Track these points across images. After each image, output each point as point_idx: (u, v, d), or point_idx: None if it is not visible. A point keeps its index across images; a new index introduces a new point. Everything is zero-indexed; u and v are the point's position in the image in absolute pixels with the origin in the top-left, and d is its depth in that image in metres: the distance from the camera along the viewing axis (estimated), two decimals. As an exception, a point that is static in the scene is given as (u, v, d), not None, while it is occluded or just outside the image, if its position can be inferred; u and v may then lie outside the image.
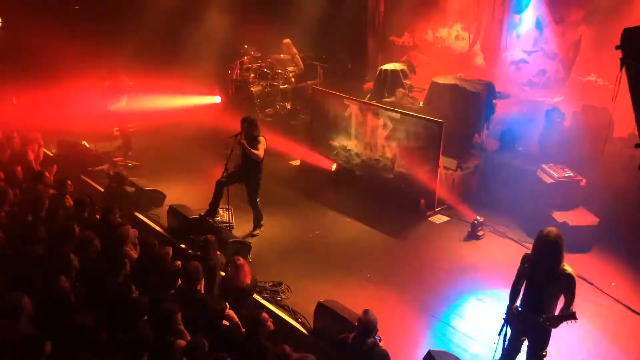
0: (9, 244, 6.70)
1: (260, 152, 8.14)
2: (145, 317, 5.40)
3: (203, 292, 6.25)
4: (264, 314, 5.45)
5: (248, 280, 6.59)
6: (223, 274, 7.14)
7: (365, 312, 5.38)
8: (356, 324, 5.61)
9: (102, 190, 9.35)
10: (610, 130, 9.30)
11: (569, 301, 5.11)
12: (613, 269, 7.87)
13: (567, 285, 5.09)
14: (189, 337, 5.26)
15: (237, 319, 5.75)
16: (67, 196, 7.95)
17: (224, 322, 5.70)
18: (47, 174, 8.62)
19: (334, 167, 10.35)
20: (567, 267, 5.10)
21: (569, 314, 4.98)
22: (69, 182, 8.26)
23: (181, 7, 13.40)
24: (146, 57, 12.48)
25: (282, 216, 9.14)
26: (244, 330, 5.55)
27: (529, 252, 5.30)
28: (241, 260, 6.60)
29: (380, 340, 5.37)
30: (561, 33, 11.46)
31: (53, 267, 6.08)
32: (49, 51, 11.70)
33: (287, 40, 13.49)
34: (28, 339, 4.85)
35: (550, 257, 5.05)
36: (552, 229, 5.19)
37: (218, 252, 6.95)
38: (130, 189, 9.01)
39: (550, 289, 5.14)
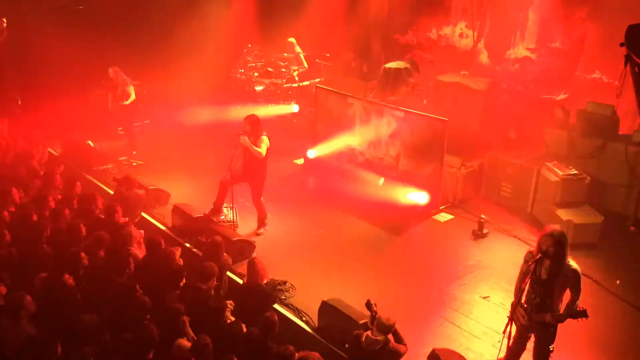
0: (14, 243, 6.73)
1: (262, 150, 8.14)
2: (148, 316, 5.41)
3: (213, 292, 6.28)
4: (275, 316, 5.48)
5: (264, 280, 6.61)
6: (230, 274, 7.18)
7: (385, 312, 5.42)
8: (366, 321, 5.64)
9: (109, 191, 9.37)
10: (616, 127, 9.28)
11: (575, 297, 5.11)
12: (618, 267, 7.85)
13: (573, 280, 5.10)
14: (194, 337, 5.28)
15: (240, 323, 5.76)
16: (74, 196, 7.98)
17: (227, 320, 5.72)
18: (54, 173, 8.65)
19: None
20: (572, 263, 5.11)
21: (580, 312, 4.99)
22: (78, 182, 8.29)
23: (184, 7, 13.41)
24: (149, 57, 12.49)
25: (286, 215, 9.14)
26: (248, 330, 5.57)
27: (533, 249, 5.30)
28: (257, 260, 6.61)
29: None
30: (566, 30, 11.43)
31: (61, 266, 6.11)
32: (54, 51, 11.71)
33: (291, 39, 13.49)
34: (34, 340, 4.87)
35: (554, 254, 5.05)
36: (556, 226, 5.19)
37: (225, 255, 6.96)
38: (140, 192, 8.99)
39: (554, 286, 5.14)
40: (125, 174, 9.49)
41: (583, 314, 4.99)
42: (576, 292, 5.11)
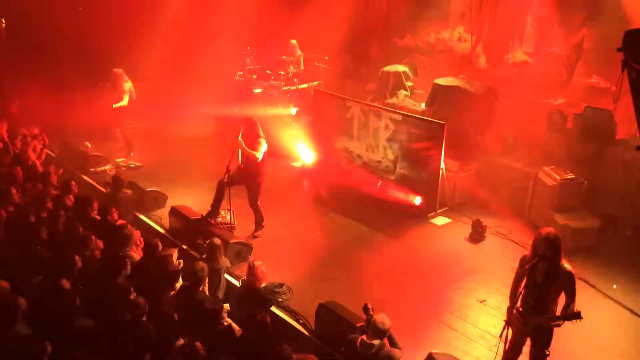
0: (12, 244, 6.71)
1: (259, 153, 8.13)
2: (144, 318, 5.39)
3: (207, 294, 6.27)
4: (268, 317, 5.48)
5: (263, 283, 6.61)
6: (230, 278, 7.17)
7: (380, 315, 5.41)
8: (362, 324, 5.63)
9: (104, 191, 9.37)
10: (613, 132, 9.30)
11: (571, 299, 5.10)
12: (614, 272, 7.85)
13: (567, 283, 5.10)
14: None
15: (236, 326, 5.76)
16: (71, 197, 7.97)
17: (225, 322, 5.71)
18: (51, 174, 8.64)
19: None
20: (567, 266, 5.11)
21: (574, 314, 4.98)
22: (74, 183, 8.28)
23: (184, 8, 13.43)
24: (148, 59, 12.50)
25: (283, 217, 9.14)
26: (243, 332, 5.57)
27: (528, 253, 5.30)
28: (257, 263, 6.62)
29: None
30: (563, 35, 11.46)
31: (56, 268, 6.09)
32: (52, 52, 11.73)
33: (293, 42, 13.48)
34: (26, 340, 4.84)
35: (549, 256, 5.06)
36: (550, 229, 5.20)
37: (224, 258, 6.95)
38: (127, 192, 8.97)
39: (550, 288, 5.15)
40: (114, 173, 9.48)
41: (577, 315, 4.99)
42: (571, 295, 5.11)
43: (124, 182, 9.01)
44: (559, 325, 5.16)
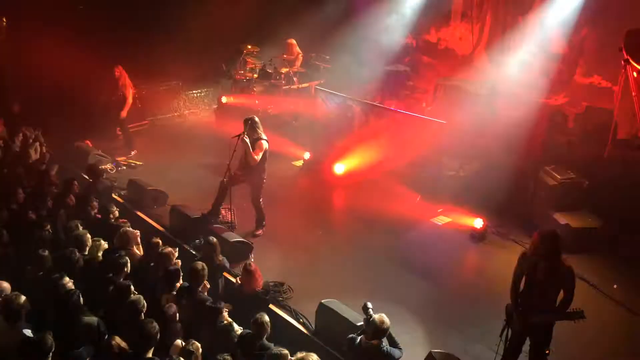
0: (12, 243, 6.72)
1: (257, 155, 8.08)
2: (142, 317, 5.38)
3: (207, 294, 6.28)
4: (266, 316, 5.49)
5: (259, 286, 6.61)
6: (229, 277, 7.18)
7: (380, 315, 5.41)
8: (362, 324, 5.64)
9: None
10: (614, 131, 9.30)
11: (569, 296, 5.10)
12: (615, 271, 7.86)
13: (568, 281, 5.10)
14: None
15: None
16: (71, 196, 7.98)
17: (224, 321, 5.72)
18: (52, 173, 8.65)
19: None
20: (566, 263, 5.12)
21: (577, 313, 4.99)
22: (75, 182, 8.29)
23: (184, 8, 13.41)
24: (148, 58, 12.50)
25: (284, 216, 9.13)
26: (242, 331, 5.58)
27: (527, 251, 5.31)
28: (253, 266, 6.61)
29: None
30: (565, 34, 11.46)
31: (57, 267, 6.11)
32: (54, 50, 11.70)
33: (291, 40, 13.47)
34: (30, 339, 4.86)
35: (549, 255, 5.06)
36: (550, 228, 5.22)
37: (221, 257, 6.95)
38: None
39: (549, 287, 5.16)
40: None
41: (580, 314, 5.00)
42: (570, 292, 5.12)
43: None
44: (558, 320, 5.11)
